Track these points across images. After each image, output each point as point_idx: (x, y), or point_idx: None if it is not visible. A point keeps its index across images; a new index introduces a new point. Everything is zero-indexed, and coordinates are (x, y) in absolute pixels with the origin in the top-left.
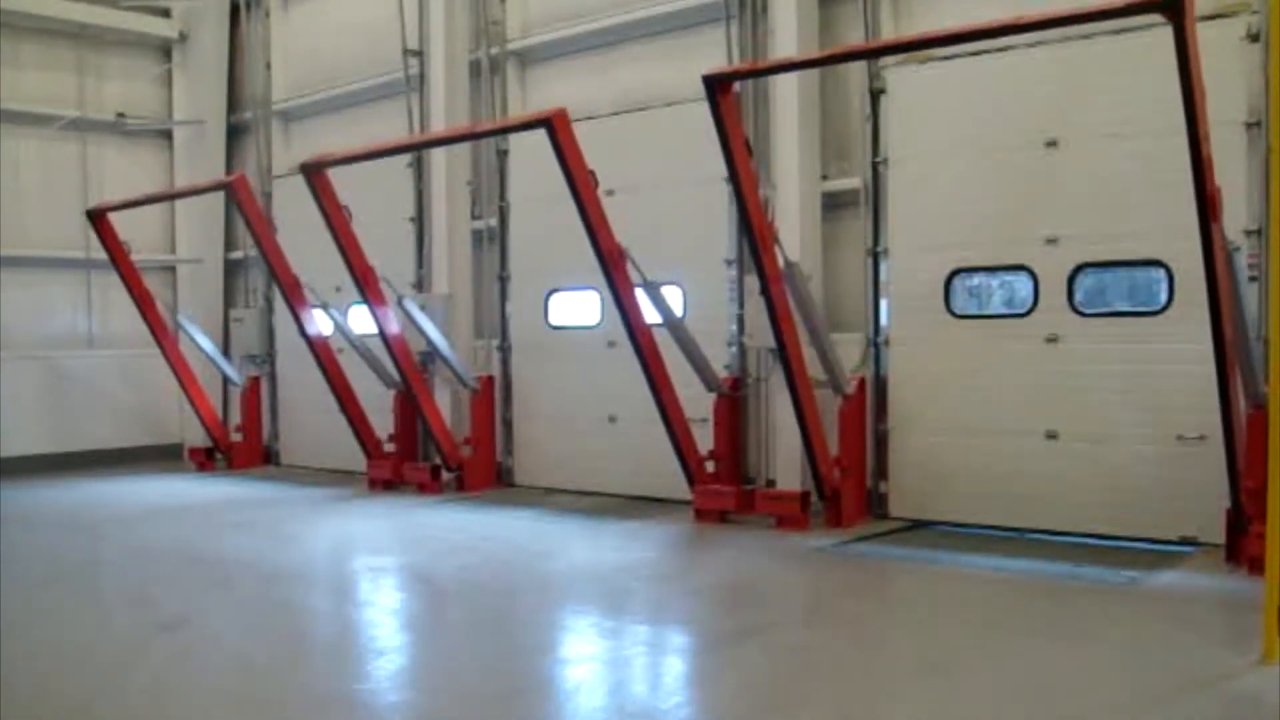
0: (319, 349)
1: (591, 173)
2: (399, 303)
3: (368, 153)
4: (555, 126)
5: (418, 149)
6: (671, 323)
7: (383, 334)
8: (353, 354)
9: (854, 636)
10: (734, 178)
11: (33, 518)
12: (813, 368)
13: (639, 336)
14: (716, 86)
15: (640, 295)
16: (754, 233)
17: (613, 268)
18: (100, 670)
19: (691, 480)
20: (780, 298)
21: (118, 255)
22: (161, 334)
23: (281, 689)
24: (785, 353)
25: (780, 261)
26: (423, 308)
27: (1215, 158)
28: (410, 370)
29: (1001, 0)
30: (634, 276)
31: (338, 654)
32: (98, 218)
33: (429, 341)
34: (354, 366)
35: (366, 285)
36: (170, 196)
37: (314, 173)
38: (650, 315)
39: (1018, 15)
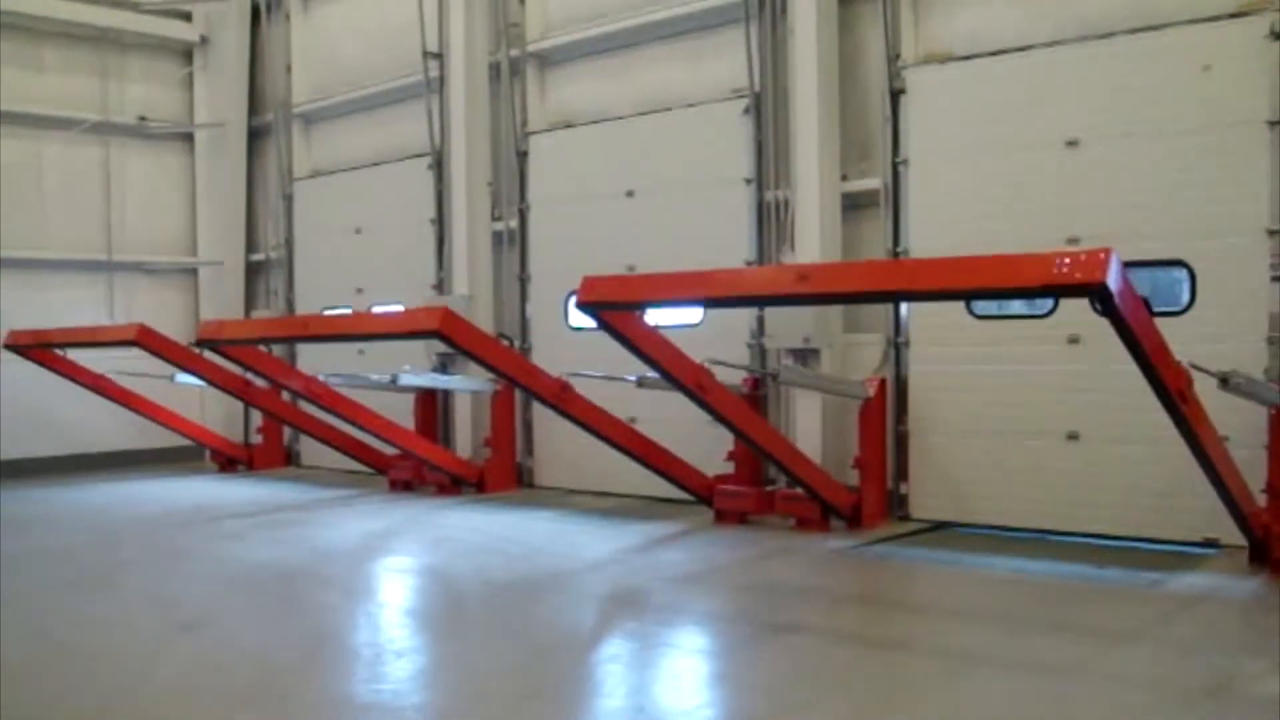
0: (292, 416)
1: (503, 334)
2: (393, 380)
3: (261, 337)
4: (443, 332)
5: (305, 340)
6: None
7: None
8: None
9: (873, 638)
10: (662, 372)
11: (53, 519)
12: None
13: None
14: (598, 312)
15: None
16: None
17: (560, 402)
18: (121, 669)
19: (701, 498)
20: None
21: (55, 364)
22: (125, 398)
23: (300, 690)
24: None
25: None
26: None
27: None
28: (399, 439)
29: (1019, 4)
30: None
31: (357, 655)
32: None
33: (442, 390)
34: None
35: (318, 398)
36: (76, 344)
37: (214, 348)
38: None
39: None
